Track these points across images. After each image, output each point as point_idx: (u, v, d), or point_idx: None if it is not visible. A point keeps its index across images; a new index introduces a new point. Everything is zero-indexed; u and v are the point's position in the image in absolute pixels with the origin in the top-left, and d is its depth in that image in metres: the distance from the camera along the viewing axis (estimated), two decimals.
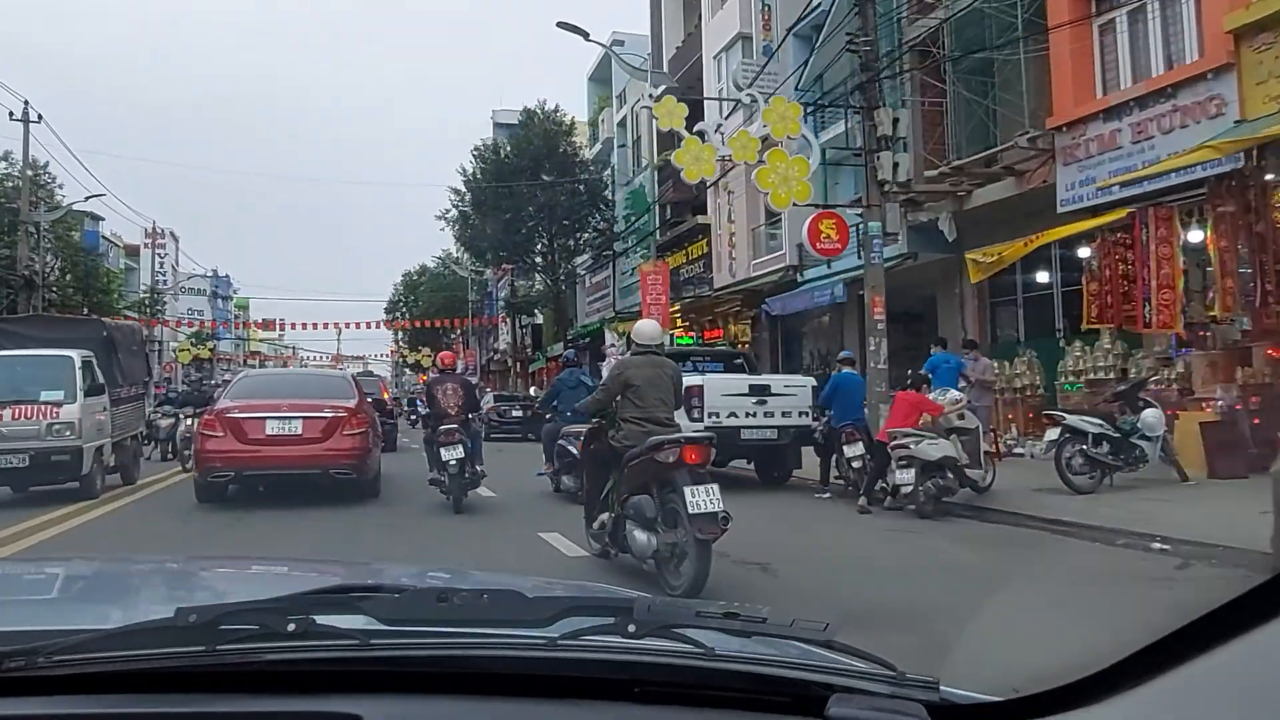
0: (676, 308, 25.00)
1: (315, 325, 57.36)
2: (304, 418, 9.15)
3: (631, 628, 1.05)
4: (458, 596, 1.14)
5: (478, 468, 9.14)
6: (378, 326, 56.82)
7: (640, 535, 5.37)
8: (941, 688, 1.00)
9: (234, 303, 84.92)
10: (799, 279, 19.63)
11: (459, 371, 11.92)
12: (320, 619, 1.02)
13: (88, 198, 29.79)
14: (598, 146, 33.01)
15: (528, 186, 28.88)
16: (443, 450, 8.71)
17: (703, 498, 5.00)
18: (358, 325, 68.69)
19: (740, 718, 1.00)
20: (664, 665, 1.03)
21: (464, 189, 30.97)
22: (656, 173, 28.01)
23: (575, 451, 8.41)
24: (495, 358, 50.78)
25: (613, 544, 5.78)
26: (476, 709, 1.00)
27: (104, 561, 2.19)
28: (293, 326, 56.01)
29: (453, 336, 64.94)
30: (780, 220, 19.69)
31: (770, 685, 1.02)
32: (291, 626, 0.99)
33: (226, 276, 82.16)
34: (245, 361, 72.85)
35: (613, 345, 27.35)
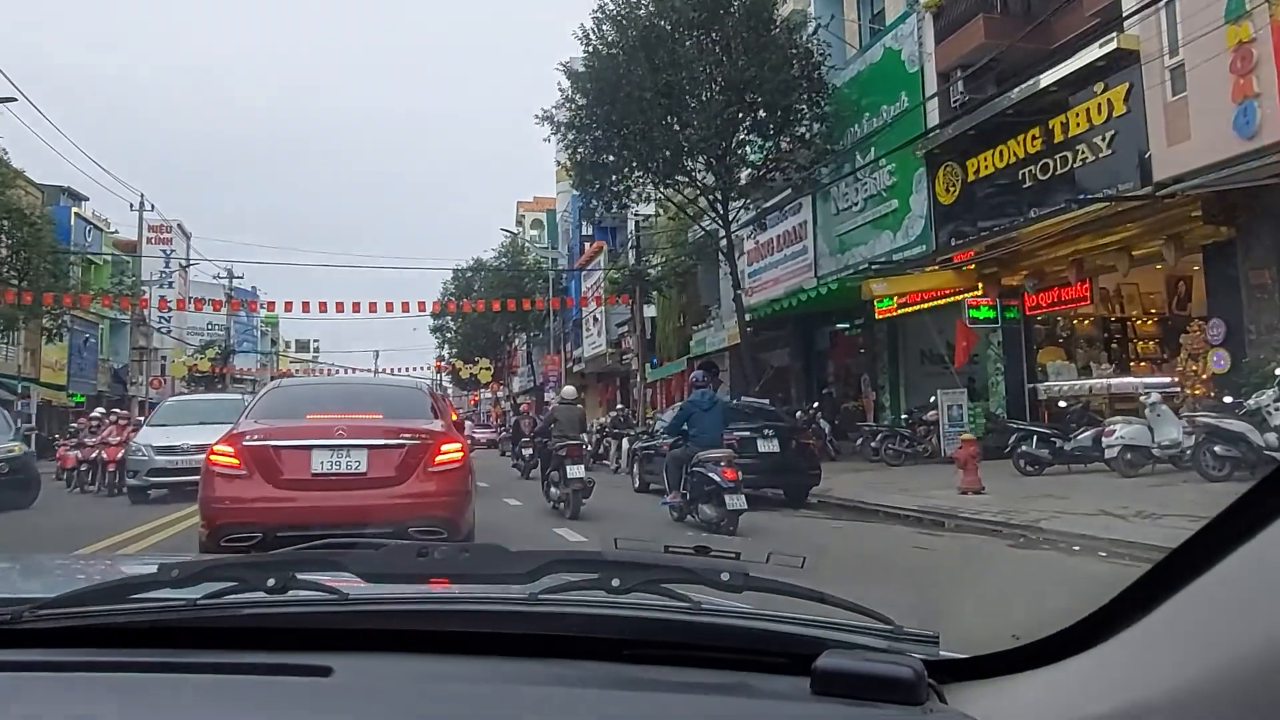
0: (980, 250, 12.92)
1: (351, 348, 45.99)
2: (370, 446, 6.22)
3: (616, 581, 1.02)
4: (438, 551, 1.11)
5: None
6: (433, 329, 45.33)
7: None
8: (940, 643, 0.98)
9: (262, 318, 74.87)
10: None
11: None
12: (301, 575, 1.03)
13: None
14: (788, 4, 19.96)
15: (697, 45, 16.90)
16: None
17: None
18: (407, 333, 57.27)
19: (731, 675, 0.97)
20: (649, 620, 1.03)
21: (581, 69, 18.62)
22: (932, 18, 16.00)
23: (719, 479, 8.54)
24: (579, 368, 38.88)
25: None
26: (452, 667, 0.99)
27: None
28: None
29: (512, 346, 53.65)
30: None
31: (762, 640, 1.01)
32: (271, 582, 0.99)
33: (254, 288, 71.68)
34: (273, 379, 61.59)
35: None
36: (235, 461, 6.21)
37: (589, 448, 20.55)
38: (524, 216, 55.51)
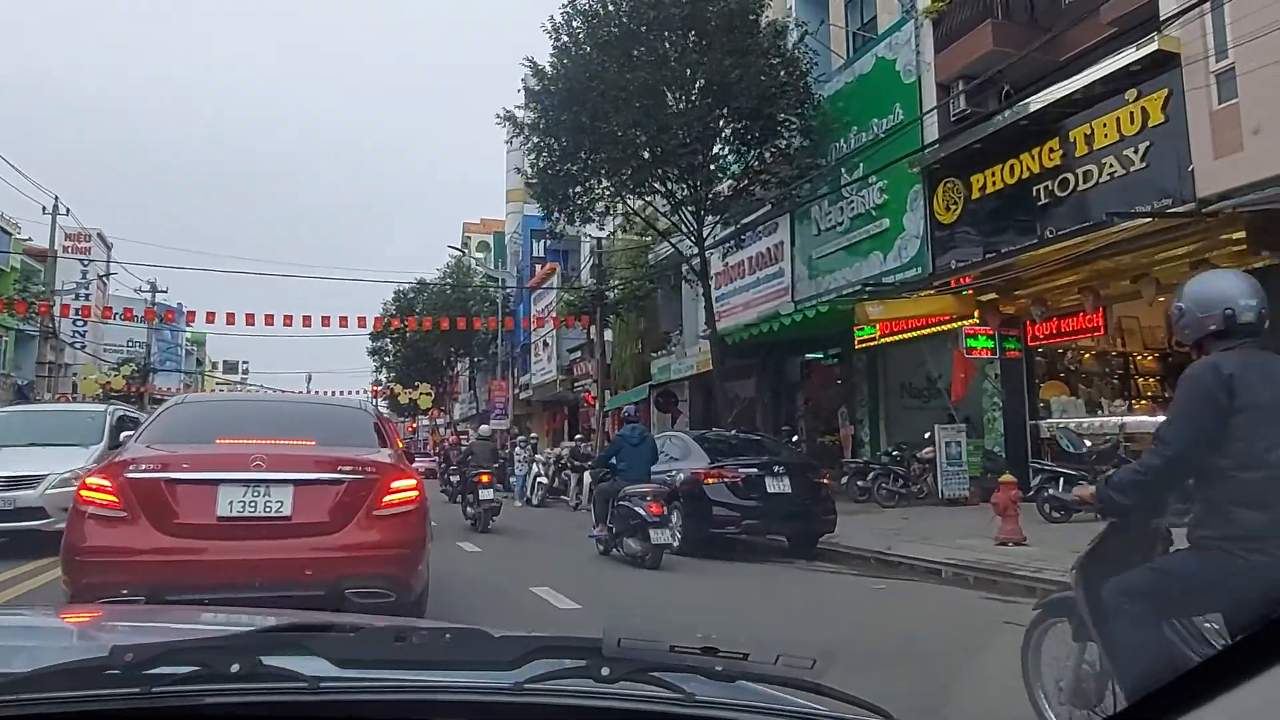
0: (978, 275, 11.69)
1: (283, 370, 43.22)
2: (297, 482, 4.78)
3: (605, 670, 0.97)
4: (416, 636, 1.06)
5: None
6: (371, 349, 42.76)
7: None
8: None
9: (188, 336, 70.81)
10: None
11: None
12: (267, 660, 0.96)
13: None
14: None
15: (678, 43, 15.51)
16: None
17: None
18: (342, 357, 54.40)
19: None
20: (639, 713, 1.00)
21: (549, 66, 16.90)
22: (931, 25, 14.92)
23: (644, 513, 8.58)
24: (526, 395, 36.91)
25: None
26: None
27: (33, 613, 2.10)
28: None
29: (454, 371, 51.28)
30: None
31: None
32: (235, 667, 0.92)
33: (180, 305, 67.46)
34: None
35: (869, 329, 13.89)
36: (113, 499, 4.69)
37: (544, 481, 19.24)
38: (470, 239, 53.56)
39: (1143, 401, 14.73)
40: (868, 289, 15.06)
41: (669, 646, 1.06)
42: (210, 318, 25.83)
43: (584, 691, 0.97)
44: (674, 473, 10.02)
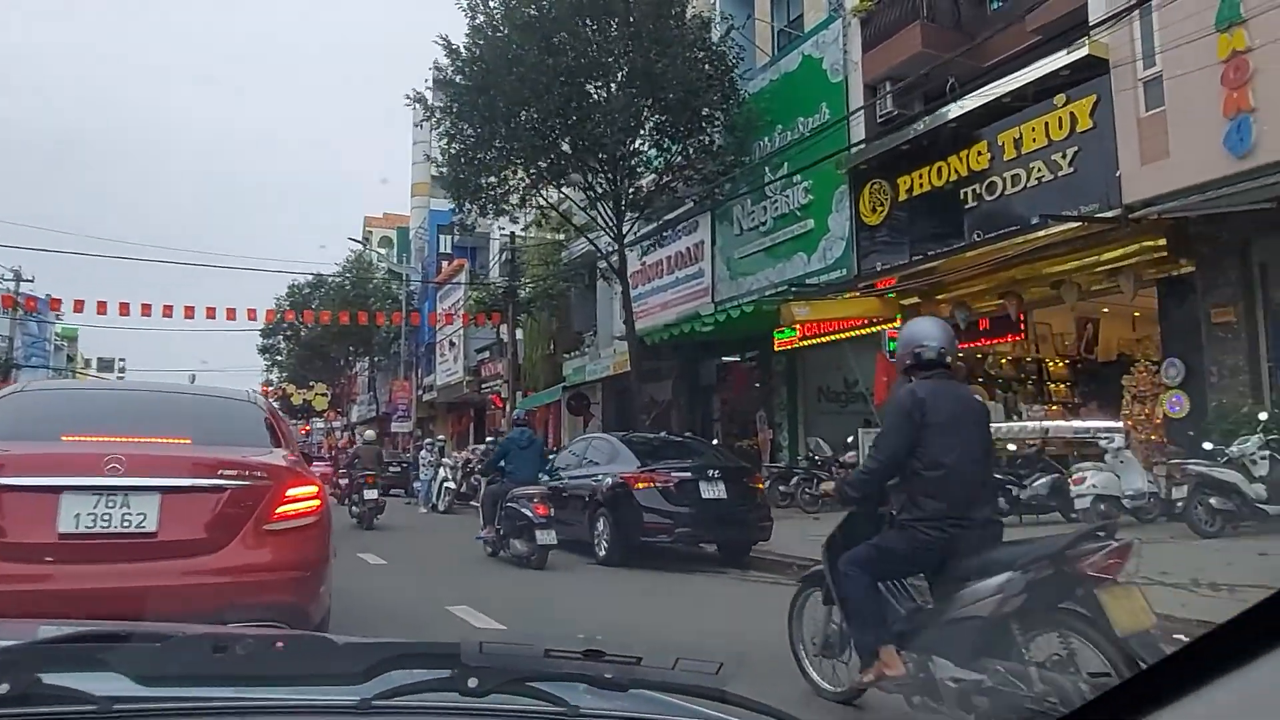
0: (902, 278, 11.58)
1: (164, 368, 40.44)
2: (165, 489, 3.90)
3: (473, 681, 0.83)
4: (241, 645, 0.87)
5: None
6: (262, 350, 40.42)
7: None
8: None
9: (58, 330, 65.72)
10: None
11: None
12: (49, 678, 0.79)
13: None
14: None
15: (602, 29, 14.88)
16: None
17: None
18: (229, 355, 51.39)
19: None
20: None
21: (464, 46, 15.91)
22: (860, 25, 14.77)
23: (530, 514, 8.62)
24: (430, 397, 35.52)
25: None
26: None
27: None
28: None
29: (352, 371, 49.13)
30: None
31: None
32: (5, 688, 0.76)
33: (47, 296, 62.21)
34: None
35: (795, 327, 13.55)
36: None
37: (452, 486, 18.32)
38: (371, 234, 51.54)
39: (1055, 407, 14.96)
40: (793, 290, 14.77)
41: (543, 651, 0.92)
42: (79, 306, 23.77)
43: (447, 707, 0.86)
44: (600, 477, 9.41)
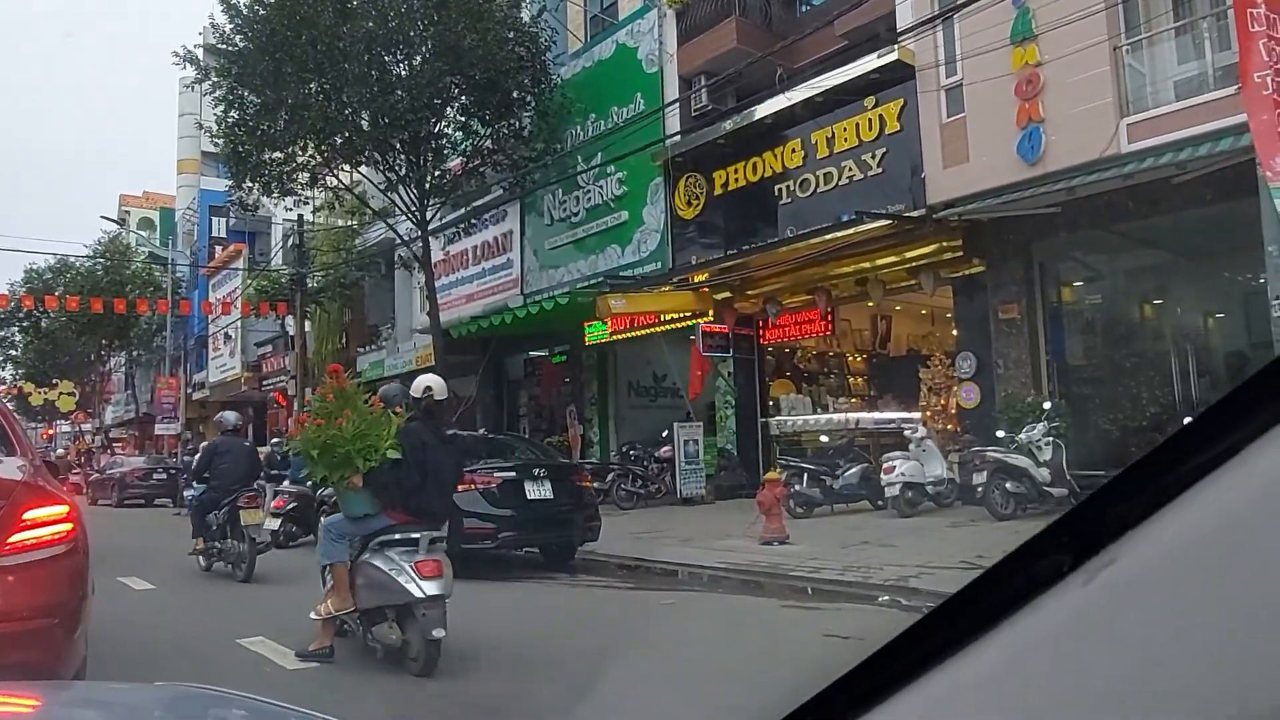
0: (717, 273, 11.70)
1: None
2: None
3: None
4: None
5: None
6: None
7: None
8: None
9: None
10: None
11: None
12: None
13: None
14: None
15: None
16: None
17: None
18: None
19: None
20: None
21: (245, 6, 14.09)
22: (675, 17, 14.66)
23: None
24: (202, 395, 32.11)
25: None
26: None
27: None
28: None
29: (106, 368, 43.64)
30: None
31: None
32: None
33: None
34: None
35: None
36: None
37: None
38: (129, 214, 46.05)
39: (856, 400, 15.64)
40: (607, 283, 14.43)
41: None
42: None
43: None
44: None
